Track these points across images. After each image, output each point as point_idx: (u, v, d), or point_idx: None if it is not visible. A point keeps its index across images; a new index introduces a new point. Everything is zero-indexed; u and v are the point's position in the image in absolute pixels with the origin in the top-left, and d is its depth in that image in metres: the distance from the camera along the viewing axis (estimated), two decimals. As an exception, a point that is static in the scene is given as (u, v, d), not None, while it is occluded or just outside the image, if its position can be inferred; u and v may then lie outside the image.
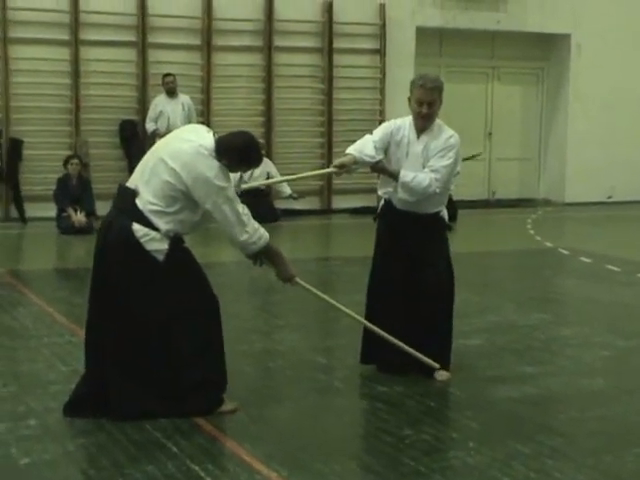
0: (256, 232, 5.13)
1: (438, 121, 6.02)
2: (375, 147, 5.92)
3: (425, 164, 5.90)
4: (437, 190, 5.88)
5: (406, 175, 5.85)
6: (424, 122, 5.93)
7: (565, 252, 11.20)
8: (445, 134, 5.97)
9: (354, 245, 12.48)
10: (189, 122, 14.13)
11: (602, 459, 4.66)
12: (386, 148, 5.98)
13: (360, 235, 13.66)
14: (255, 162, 5.28)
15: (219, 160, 5.03)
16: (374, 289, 6.19)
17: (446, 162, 5.89)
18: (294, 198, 14.60)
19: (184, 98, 14.05)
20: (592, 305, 8.60)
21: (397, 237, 6.07)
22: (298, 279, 5.40)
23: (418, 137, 5.97)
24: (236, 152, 5.10)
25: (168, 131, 13.83)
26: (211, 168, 5.00)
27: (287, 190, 14.54)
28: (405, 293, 6.02)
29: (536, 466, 4.57)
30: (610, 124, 17.16)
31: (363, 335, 6.18)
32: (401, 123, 6.06)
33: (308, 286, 5.47)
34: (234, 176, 5.26)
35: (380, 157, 5.93)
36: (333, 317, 8.03)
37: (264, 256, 5.28)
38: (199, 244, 12.70)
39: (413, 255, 6.00)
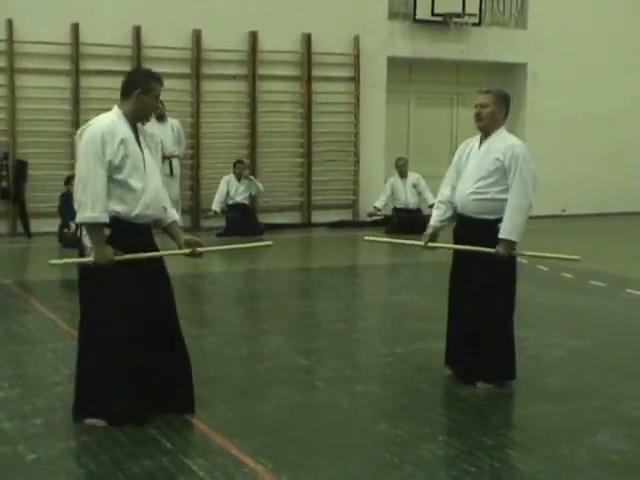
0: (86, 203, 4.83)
1: (504, 132, 5.70)
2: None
3: (482, 172, 5.61)
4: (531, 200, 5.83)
5: (509, 231, 5.68)
6: (478, 123, 5.67)
7: (524, 261, 11.22)
8: (504, 142, 5.61)
9: (332, 256, 12.49)
10: (179, 143, 14.14)
11: (559, 451, 4.68)
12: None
13: (338, 247, 13.71)
14: None
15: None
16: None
17: (518, 176, 5.62)
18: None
19: (173, 122, 14.03)
20: (548, 309, 8.63)
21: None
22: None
23: (479, 146, 5.69)
24: None
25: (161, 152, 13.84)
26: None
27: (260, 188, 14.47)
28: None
29: (500, 457, 4.58)
30: (563, 145, 17.23)
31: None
32: (470, 140, 5.86)
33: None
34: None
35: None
36: (314, 322, 8.03)
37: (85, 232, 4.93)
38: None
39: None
